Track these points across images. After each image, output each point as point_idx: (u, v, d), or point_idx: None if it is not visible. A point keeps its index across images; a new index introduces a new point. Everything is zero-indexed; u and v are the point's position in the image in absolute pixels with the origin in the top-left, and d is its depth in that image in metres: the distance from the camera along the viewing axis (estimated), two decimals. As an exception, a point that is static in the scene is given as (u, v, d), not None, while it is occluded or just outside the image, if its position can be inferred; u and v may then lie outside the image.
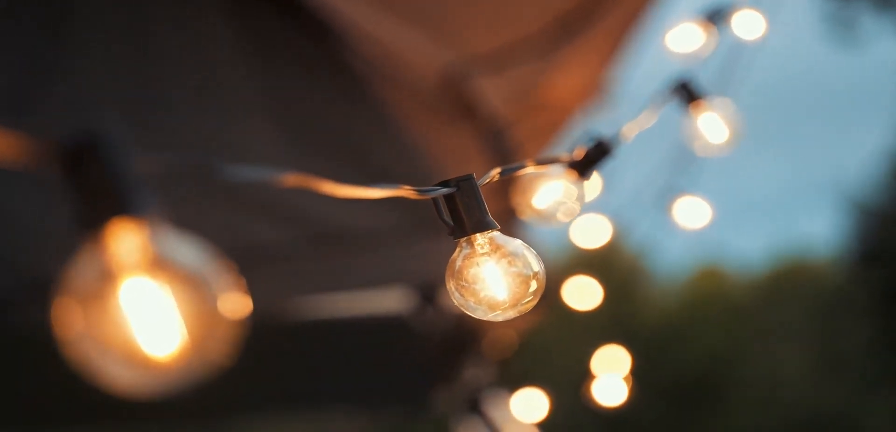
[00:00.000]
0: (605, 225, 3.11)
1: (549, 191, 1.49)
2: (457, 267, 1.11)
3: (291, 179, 0.88)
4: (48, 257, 2.57)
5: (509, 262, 1.11)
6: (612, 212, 3.16)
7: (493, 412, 3.41)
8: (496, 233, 1.12)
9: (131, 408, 3.33)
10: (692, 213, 2.91)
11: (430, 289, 2.98)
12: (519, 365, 11.62)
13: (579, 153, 1.46)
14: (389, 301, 3.00)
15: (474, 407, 3.38)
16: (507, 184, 1.55)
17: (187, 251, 0.72)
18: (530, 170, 1.31)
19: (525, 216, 1.50)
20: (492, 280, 1.10)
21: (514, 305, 1.11)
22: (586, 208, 3.15)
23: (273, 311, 2.98)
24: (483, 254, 1.11)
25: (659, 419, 14.87)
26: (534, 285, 1.11)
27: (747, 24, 2.50)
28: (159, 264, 0.71)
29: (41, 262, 2.52)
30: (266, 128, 2.73)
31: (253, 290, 2.30)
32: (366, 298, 3.02)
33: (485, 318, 1.12)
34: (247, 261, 2.77)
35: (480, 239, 1.11)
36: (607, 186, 3.12)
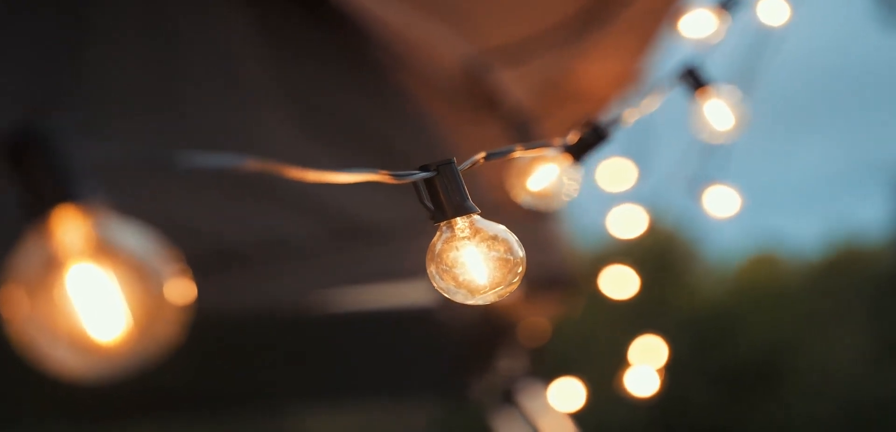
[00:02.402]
0: (641, 215, 3.11)
1: (545, 174, 1.49)
2: (437, 250, 1.12)
3: (253, 165, 0.89)
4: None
5: (489, 246, 1.11)
6: (653, 199, 3.17)
7: (529, 402, 3.42)
8: (477, 217, 1.13)
9: (173, 401, 3.37)
10: (722, 202, 2.90)
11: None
12: (568, 354, 11.62)
13: (573, 137, 1.47)
14: (416, 293, 3.01)
15: (509, 397, 3.39)
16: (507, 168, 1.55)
17: (132, 237, 0.73)
18: (519, 154, 1.31)
19: (520, 199, 1.51)
20: (472, 264, 1.11)
21: (493, 289, 1.11)
22: (622, 198, 3.16)
23: (302, 306, 3.00)
24: (463, 238, 1.12)
25: (713, 406, 14.78)
26: (515, 268, 1.11)
27: (773, 10, 2.49)
28: (104, 250, 0.72)
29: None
30: (287, 121, 2.75)
31: (281, 285, 2.32)
32: (392, 291, 3.04)
33: (465, 302, 1.13)
34: (273, 256, 2.79)
35: (461, 223, 1.12)
36: (645, 174, 3.12)
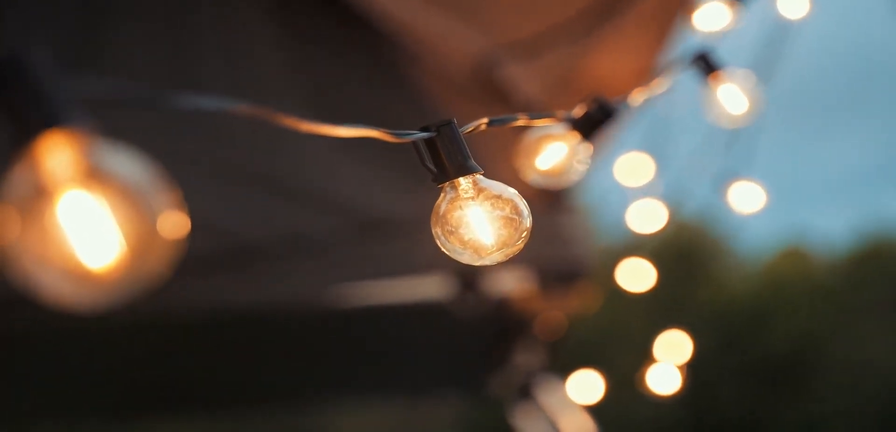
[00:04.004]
0: (662, 209, 3.09)
1: (554, 153, 1.48)
2: (441, 211, 1.11)
3: (245, 110, 0.89)
4: None
5: (493, 204, 1.10)
6: (676, 194, 3.15)
7: (547, 397, 3.40)
8: (480, 177, 1.12)
9: (196, 398, 3.37)
10: (748, 197, 2.88)
11: (470, 275, 2.98)
12: (593, 349, 11.58)
13: (579, 112, 1.45)
14: (430, 287, 3.01)
15: (527, 392, 3.37)
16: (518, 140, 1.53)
17: (125, 164, 0.72)
18: (523, 123, 1.30)
19: (529, 178, 1.49)
20: (477, 223, 1.10)
21: (501, 248, 1.10)
22: (642, 192, 3.14)
23: (321, 301, 3.00)
24: (467, 199, 1.11)
25: (742, 401, 14.72)
26: (521, 227, 1.10)
27: (792, 3, 2.48)
28: (95, 177, 0.71)
29: None
30: (300, 114, 2.74)
31: (300, 280, 2.31)
32: (410, 285, 3.03)
33: (473, 263, 1.11)
34: (293, 251, 2.79)
35: (464, 182, 1.11)
36: (666, 169, 3.11)
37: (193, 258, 2.72)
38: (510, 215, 1.10)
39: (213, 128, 2.68)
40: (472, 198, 1.11)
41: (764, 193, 2.81)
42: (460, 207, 1.10)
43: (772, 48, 2.65)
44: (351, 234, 2.80)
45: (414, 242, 2.85)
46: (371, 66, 2.87)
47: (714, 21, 2.18)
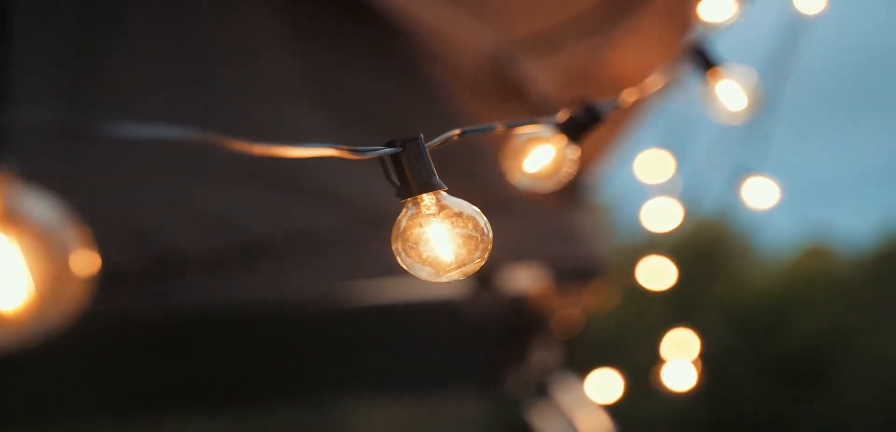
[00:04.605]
0: (679, 207, 3.07)
1: (542, 155, 1.47)
2: (402, 227, 1.10)
3: (187, 137, 0.88)
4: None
5: (453, 223, 1.09)
6: (696, 191, 3.13)
7: (564, 395, 3.38)
8: (444, 194, 1.11)
9: (210, 396, 3.38)
10: (761, 193, 2.85)
11: (485, 272, 2.97)
12: (612, 347, 11.55)
13: (563, 116, 1.44)
14: (447, 285, 3.00)
15: (543, 390, 3.36)
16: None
17: (38, 206, 0.72)
18: (500, 131, 1.29)
19: (516, 180, 1.48)
20: (437, 240, 1.09)
21: (459, 266, 1.09)
22: (658, 190, 3.12)
23: (334, 298, 3.00)
24: (429, 215, 1.10)
25: (766, 398, 14.64)
26: (481, 245, 1.09)
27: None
28: (8, 217, 0.71)
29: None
30: (313, 112, 2.75)
31: (310, 276, 2.31)
32: (423, 283, 3.02)
33: (432, 280, 1.10)
34: (302, 247, 2.79)
35: (427, 199, 1.10)
36: (684, 166, 3.08)
37: (204, 255, 2.72)
38: (471, 233, 1.09)
39: (215, 121, 2.68)
40: (434, 215, 1.09)
41: (777, 189, 2.78)
42: (420, 224, 1.09)
43: (789, 43, 2.61)
44: (362, 231, 2.80)
45: None
46: (383, 63, 2.86)
47: (718, 13, 2.15)
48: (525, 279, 3.06)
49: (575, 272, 3.06)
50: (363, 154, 1.08)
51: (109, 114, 2.55)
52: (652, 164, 3.14)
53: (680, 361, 3.18)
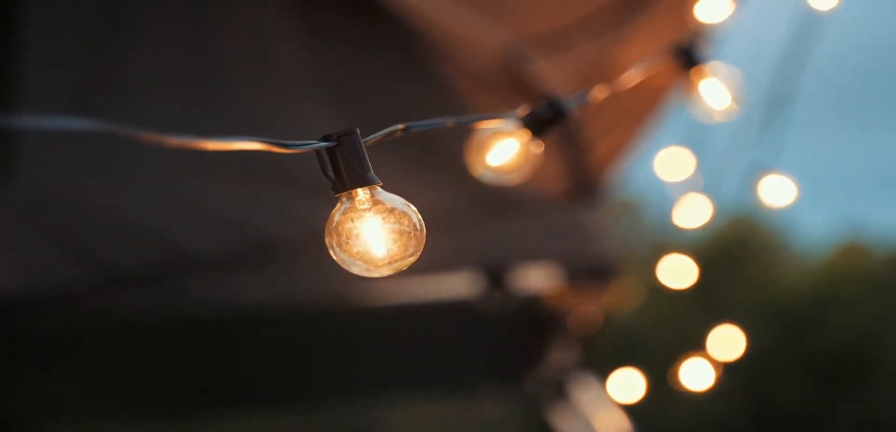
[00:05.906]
0: (706, 204, 3.05)
1: (505, 149, 1.47)
2: (335, 222, 1.10)
3: (116, 130, 0.88)
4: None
5: (385, 219, 1.09)
6: (722, 188, 3.11)
7: (583, 394, 3.37)
8: (379, 190, 1.11)
9: (232, 396, 3.41)
10: (778, 191, 2.83)
11: (497, 272, 2.96)
12: (643, 345, 11.47)
13: (523, 111, 1.44)
14: (457, 284, 3.00)
15: (561, 390, 3.35)
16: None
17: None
18: (450, 125, 1.29)
19: (479, 173, 1.49)
20: (369, 236, 1.09)
21: (391, 262, 1.09)
22: (684, 187, 3.10)
23: (349, 298, 3.01)
24: (363, 210, 1.10)
25: (803, 397, 14.50)
26: (413, 241, 1.09)
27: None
28: None
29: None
30: (323, 109, 2.76)
31: (320, 274, 2.32)
32: (435, 282, 3.02)
33: (364, 275, 1.11)
34: (311, 245, 2.81)
35: (361, 194, 1.11)
36: (706, 163, 3.06)
37: (221, 255, 2.75)
38: (404, 229, 1.09)
39: (225, 118, 2.70)
40: (367, 210, 1.10)
41: (795, 187, 2.75)
42: (352, 219, 1.10)
43: (807, 38, 2.59)
44: None
45: (440, 237, 2.84)
46: (395, 61, 2.87)
47: (716, 13, 2.14)
48: (539, 278, 3.06)
49: (589, 271, 3.05)
50: (294, 148, 1.08)
51: (121, 115, 2.58)
52: (672, 162, 3.12)
53: (699, 360, 3.16)
